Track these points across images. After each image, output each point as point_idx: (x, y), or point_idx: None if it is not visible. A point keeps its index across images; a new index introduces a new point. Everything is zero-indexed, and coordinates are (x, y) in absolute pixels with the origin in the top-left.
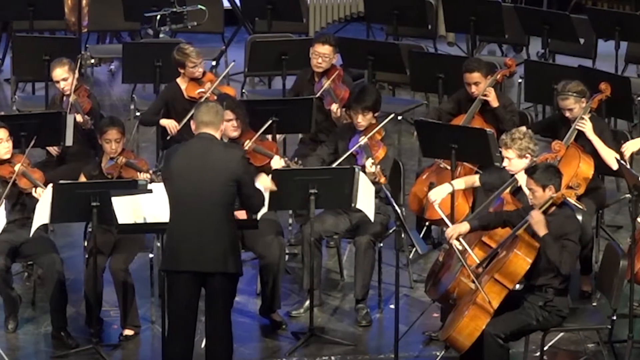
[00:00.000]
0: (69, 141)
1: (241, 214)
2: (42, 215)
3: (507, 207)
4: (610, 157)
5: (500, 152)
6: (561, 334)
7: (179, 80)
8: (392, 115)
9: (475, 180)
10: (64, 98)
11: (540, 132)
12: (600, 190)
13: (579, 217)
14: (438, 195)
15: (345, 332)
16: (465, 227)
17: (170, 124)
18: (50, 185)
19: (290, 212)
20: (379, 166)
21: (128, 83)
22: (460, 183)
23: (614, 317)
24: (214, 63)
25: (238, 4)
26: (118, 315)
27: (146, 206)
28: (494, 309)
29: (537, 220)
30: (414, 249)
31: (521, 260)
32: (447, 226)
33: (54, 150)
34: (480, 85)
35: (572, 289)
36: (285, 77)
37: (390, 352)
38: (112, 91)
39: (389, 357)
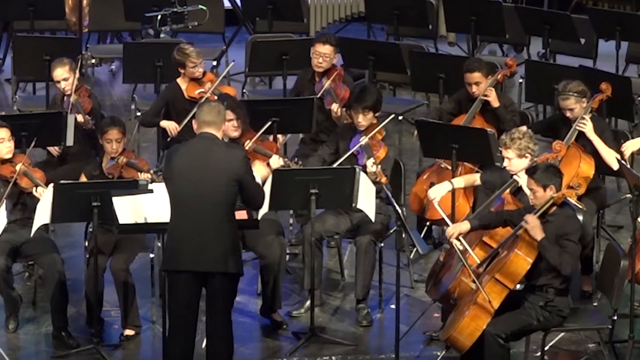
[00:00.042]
0: (69, 141)
1: (241, 214)
2: (42, 215)
3: (507, 207)
4: (611, 157)
5: (501, 152)
6: (562, 334)
7: (179, 80)
8: (392, 115)
9: (475, 179)
10: (65, 98)
11: (541, 132)
12: (601, 190)
13: (580, 217)
14: (437, 193)
15: (346, 332)
16: (465, 226)
17: (171, 126)
18: (51, 185)
19: (291, 212)
20: (379, 166)
21: (129, 83)
22: (460, 181)
23: (615, 317)
24: (214, 63)
25: (239, 4)
26: (119, 315)
27: (147, 206)
28: (494, 309)
29: (533, 226)
30: (415, 249)
31: (522, 260)
32: (448, 225)
33: (54, 150)
34: (481, 85)
35: (572, 289)
36: (286, 77)
37: (391, 352)
38: (112, 91)
39: (389, 357)
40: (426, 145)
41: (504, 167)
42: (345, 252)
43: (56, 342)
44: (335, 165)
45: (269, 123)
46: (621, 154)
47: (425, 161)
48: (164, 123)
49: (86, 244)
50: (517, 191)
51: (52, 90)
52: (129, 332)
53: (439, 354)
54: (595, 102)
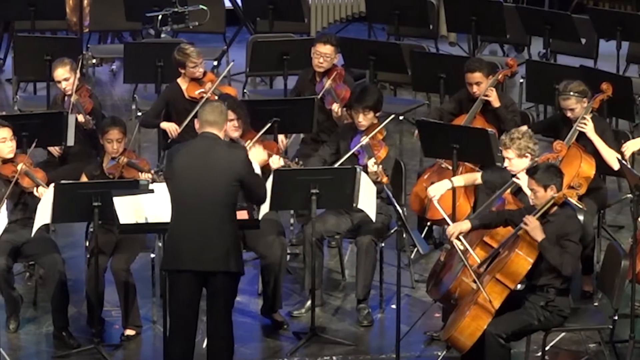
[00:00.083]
0: (70, 141)
1: (242, 214)
2: (43, 215)
3: (508, 207)
4: (611, 157)
5: (501, 152)
6: (563, 334)
7: (179, 80)
8: (393, 115)
9: (476, 177)
10: (66, 98)
11: (542, 132)
12: (602, 190)
13: (581, 217)
14: (437, 191)
15: (346, 332)
16: (466, 225)
17: (171, 127)
18: (52, 185)
19: (292, 212)
20: (380, 166)
21: (129, 83)
22: (460, 180)
23: (616, 317)
24: (215, 63)
25: (239, 4)
26: (119, 315)
27: (148, 206)
28: (495, 309)
29: (533, 227)
30: (416, 249)
31: (522, 260)
32: (448, 225)
33: (55, 150)
34: (482, 85)
35: (573, 289)
36: (287, 77)
37: (391, 352)
38: (113, 91)
39: (390, 357)
40: (427, 145)
41: (505, 167)
42: (346, 252)
43: (57, 342)
44: (336, 166)
45: (270, 123)
46: (622, 154)
47: (426, 161)
48: (165, 125)
49: (87, 244)
50: (518, 191)
51: (52, 91)
52: (129, 332)
53: (439, 354)
54: (596, 102)
